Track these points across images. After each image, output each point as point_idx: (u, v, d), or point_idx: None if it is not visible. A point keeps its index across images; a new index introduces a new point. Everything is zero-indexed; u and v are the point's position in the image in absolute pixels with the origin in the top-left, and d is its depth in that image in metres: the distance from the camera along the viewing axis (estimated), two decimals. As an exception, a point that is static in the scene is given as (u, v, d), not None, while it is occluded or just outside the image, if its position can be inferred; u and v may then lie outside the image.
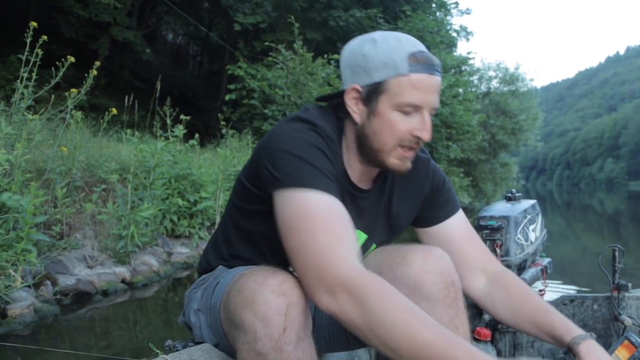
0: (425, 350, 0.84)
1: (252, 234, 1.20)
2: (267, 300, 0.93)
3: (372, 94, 1.10)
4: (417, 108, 1.09)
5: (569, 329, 1.12)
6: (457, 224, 1.34)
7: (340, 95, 1.16)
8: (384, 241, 1.31)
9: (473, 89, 20.98)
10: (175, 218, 5.62)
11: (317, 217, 0.97)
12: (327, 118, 1.15)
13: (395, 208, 1.29)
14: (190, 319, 1.22)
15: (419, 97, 1.07)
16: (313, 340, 1.00)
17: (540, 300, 1.22)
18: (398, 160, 1.14)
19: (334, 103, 1.19)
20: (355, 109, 1.13)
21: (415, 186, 1.31)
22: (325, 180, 1.02)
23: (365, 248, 1.26)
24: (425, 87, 1.07)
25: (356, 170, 1.20)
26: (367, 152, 1.15)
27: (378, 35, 1.12)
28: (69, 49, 11.18)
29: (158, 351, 1.13)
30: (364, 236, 1.25)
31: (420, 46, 1.10)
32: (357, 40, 1.15)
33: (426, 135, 1.10)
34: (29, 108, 4.31)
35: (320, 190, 1.00)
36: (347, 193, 1.18)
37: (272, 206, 1.05)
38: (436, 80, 1.09)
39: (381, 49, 1.08)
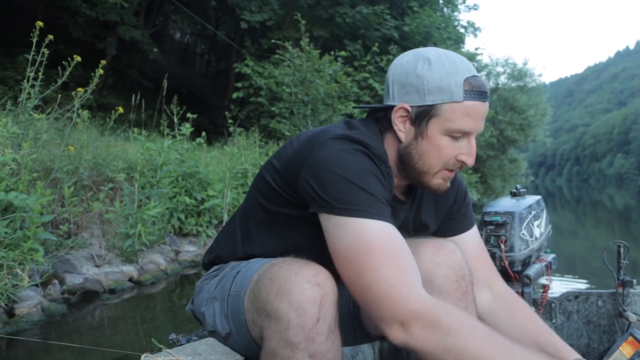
0: None
1: (280, 240, 1.18)
2: (303, 289, 0.94)
3: (422, 115, 1.09)
4: (465, 134, 1.10)
5: (571, 353, 1.14)
6: (472, 239, 1.35)
7: (383, 108, 1.15)
8: None
9: (481, 85, 20.82)
10: (182, 216, 5.62)
11: (378, 250, 0.96)
12: (373, 134, 1.14)
13: (423, 218, 1.30)
14: (201, 308, 1.21)
15: (470, 124, 1.08)
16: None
17: (543, 322, 1.24)
18: (442, 180, 1.15)
19: (376, 116, 1.18)
20: (401, 127, 1.12)
21: (441, 197, 1.30)
22: (381, 206, 1.01)
23: None
24: (477, 115, 1.08)
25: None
26: (410, 171, 1.15)
27: (432, 54, 1.10)
28: (77, 49, 11.23)
29: (161, 346, 1.12)
30: None
31: (473, 70, 1.09)
32: (410, 57, 1.12)
33: (471, 160, 1.12)
34: (36, 108, 4.32)
35: (377, 218, 0.99)
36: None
37: (303, 212, 1.06)
38: (486, 107, 1.11)
39: (437, 72, 1.07)
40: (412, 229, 1.30)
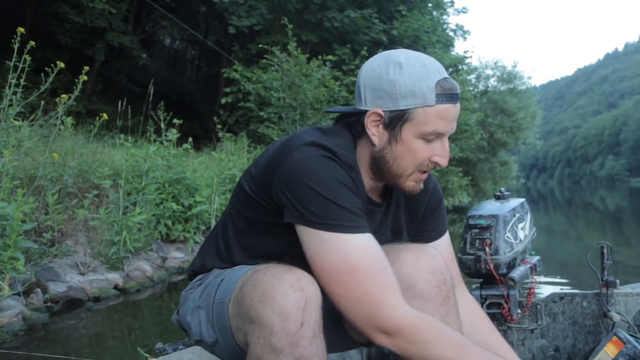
0: None
1: (260, 247, 1.18)
2: (287, 294, 0.94)
3: (395, 120, 1.10)
4: (439, 135, 1.11)
5: None
6: (443, 246, 1.36)
7: (355, 113, 1.15)
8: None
9: (471, 88, 20.96)
10: (169, 223, 5.58)
11: (361, 270, 1.01)
12: (344, 140, 1.15)
13: (401, 222, 1.31)
14: (186, 318, 1.20)
15: (443, 127, 1.10)
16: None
17: (502, 337, 1.32)
18: (414, 182, 1.16)
19: (350, 121, 1.18)
20: (375, 131, 1.13)
21: (416, 202, 1.32)
22: (356, 219, 1.04)
23: None
24: (449, 117, 1.10)
25: (367, 185, 1.20)
26: (384, 173, 1.16)
27: (403, 58, 1.10)
28: (65, 55, 11.22)
29: (147, 355, 1.11)
30: None
31: (444, 72, 1.11)
32: (381, 61, 1.13)
33: (444, 161, 1.14)
34: (19, 114, 4.28)
35: (354, 232, 1.02)
36: (365, 207, 1.19)
37: (281, 219, 1.08)
38: (458, 108, 1.12)
39: (409, 76, 1.08)
40: (390, 231, 1.30)
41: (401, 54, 1.11)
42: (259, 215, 1.14)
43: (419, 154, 1.11)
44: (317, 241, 1.02)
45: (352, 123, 1.17)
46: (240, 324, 1.02)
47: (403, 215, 1.31)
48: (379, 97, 1.10)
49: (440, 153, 1.12)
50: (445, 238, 1.38)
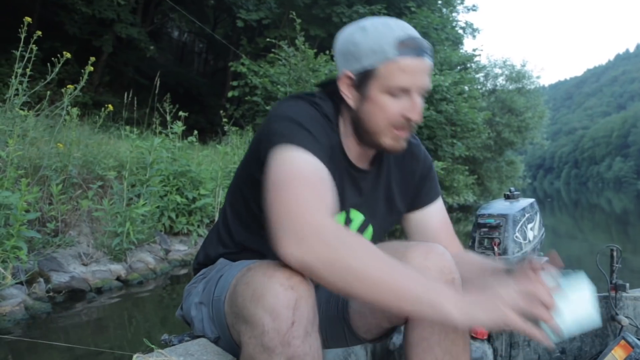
0: (380, 285, 0.89)
1: (255, 219, 1.20)
2: (277, 293, 0.92)
3: (363, 79, 1.13)
4: (406, 91, 1.12)
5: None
6: (437, 211, 1.37)
7: (335, 81, 1.20)
8: (383, 226, 1.33)
9: (479, 87, 20.85)
10: (173, 215, 5.58)
11: (300, 174, 1.00)
12: (327, 104, 1.20)
13: (393, 191, 1.33)
14: (190, 313, 1.20)
15: (408, 80, 1.11)
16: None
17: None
18: (392, 140, 1.17)
19: (331, 90, 1.22)
20: (348, 94, 1.17)
21: (408, 170, 1.34)
22: (316, 144, 1.06)
23: (362, 229, 1.29)
24: (414, 70, 1.10)
25: (354, 152, 1.23)
26: (363, 134, 1.19)
27: (369, 22, 1.15)
28: (73, 46, 11.22)
29: (153, 346, 1.10)
30: (360, 216, 1.28)
31: (409, 30, 1.12)
32: (349, 28, 1.19)
33: (416, 115, 1.14)
34: (25, 104, 4.28)
35: (309, 151, 1.03)
36: (347, 173, 1.23)
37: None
38: (425, 62, 1.12)
39: (371, 36, 1.11)
40: (383, 199, 1.31)
41: (368, 20, 1.16)
42: (250, 188, 1.18)
43: (388, 110, 1.13)
44: (274, 157, 1.03)
45: (334, 92, 1.21)
46: (235, 323, 1.02)
47: (395, 185, 1.33)
48: (347, 60, 1.15)
49: (410, 108, 1.13)
50: (439, 203, 1.39)
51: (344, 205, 1.22)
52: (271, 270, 0.96)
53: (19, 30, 4.08)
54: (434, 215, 1.36)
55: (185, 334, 1.24)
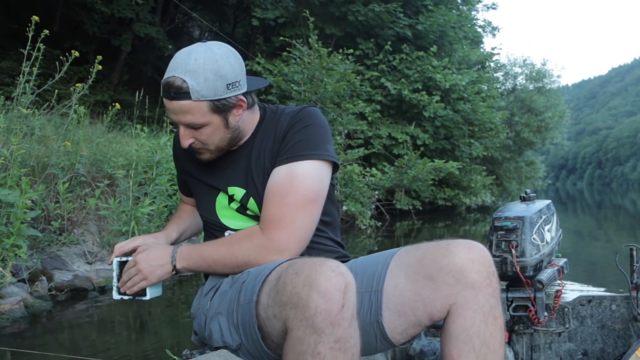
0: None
1: None
2: (330, 277, 1.01)
3: None
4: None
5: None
6: (278, 174, 1.32)
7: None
8: (262, 194, 1.34)
9: (498, 86, 20.57)
10: (182, 214, 5.54)
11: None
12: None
13: (254, 155, 1.37)
14: (204, 329, 1.29)
15: (172, 115, 1.30)
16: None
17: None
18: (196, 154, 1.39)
19: None
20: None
21: (275, 131, 1.37)
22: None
23: (245, 201, 1.37)
24: (169, 109, 1.28)
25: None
26: None
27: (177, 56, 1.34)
28: (93, 45, 11.34)
29: (175, 357, 1.09)
30: (241, 191, 1.37)
31: (174, 70, 1.25)
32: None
33: (182, 142, 1.33)
34: (33, 103, 4.29)
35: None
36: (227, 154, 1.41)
37: None
38: (175, 104, 1.26)
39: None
40: (257, 173, 1.36)
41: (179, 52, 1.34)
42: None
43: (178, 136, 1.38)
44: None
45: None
46: (279, 312, 1.07)
47: (258, 148, 1.38)
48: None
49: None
50: (287, 168, 1.31)
51: (223, 185, 1.38)
52: (320, 260, 1.06)
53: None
54: (272, 177, 1.32)
55: (206, 347, 1.30)
